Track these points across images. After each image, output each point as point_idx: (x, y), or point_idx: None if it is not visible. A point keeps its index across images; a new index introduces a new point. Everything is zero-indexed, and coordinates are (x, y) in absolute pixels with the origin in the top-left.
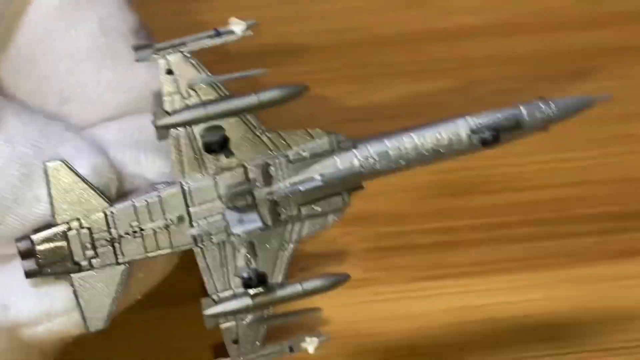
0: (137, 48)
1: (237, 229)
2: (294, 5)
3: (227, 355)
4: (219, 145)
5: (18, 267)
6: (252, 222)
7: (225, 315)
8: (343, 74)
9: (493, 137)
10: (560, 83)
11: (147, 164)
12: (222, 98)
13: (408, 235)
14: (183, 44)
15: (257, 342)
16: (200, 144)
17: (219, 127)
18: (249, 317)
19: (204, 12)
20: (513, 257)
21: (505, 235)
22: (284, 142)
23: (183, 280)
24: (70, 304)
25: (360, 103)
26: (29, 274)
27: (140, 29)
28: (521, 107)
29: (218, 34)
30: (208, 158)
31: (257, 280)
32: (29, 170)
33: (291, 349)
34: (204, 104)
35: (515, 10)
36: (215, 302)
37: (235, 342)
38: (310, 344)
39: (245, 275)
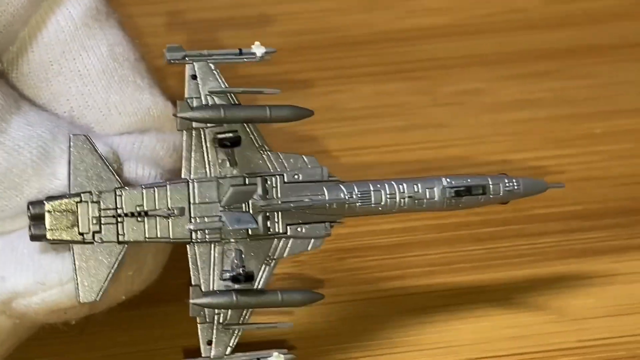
0: (169, 49)
1: (234, 225)
2: (260, 7)
3: (197, 357)
4: (232, 142)
5: (16, 241)
6: (248, 222)
7: (211, 307)
8: (308, 75)
9: (465, 191)
10: (525, 84)
11: (142, 172)
12: (237, 106)
13: (368, 235)
14: (210, 55)
15: (230, 347)
16: (210, 143)
17: (234, 130)
18: (227, 317)
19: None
20: (474, 258)
21: (467, 236)
22: (282, 163)
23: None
24: (64, 276)
25: (325, 104)
26: (34, 237)
27: (142, 60)
28: (488, 178)
29: (241, 53)
30: (214, 163)
31: (245, 277)
32: (47, 149)
33: None
34: (222, 106)
35: (479, 11)
36: (203, 294)
37: (209, 343)
38: (277, 359)
39: (235, 270)
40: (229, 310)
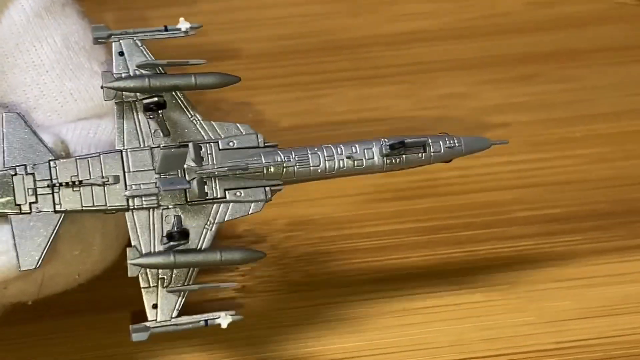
0: (95, 29)
1: (166, 187)
2: (247, 12)
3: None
4: (156, 104)
5: None
6: (180, 184)
7: (149, 266)
8: (292, 80)
9: (399, 144)
10: (507, 88)
11: None
12: (163, 75)
13: (351, 238)
14: (135, 32)
15: (175, 310)
16: (141, 114)
17: (159, 95)
18: (172, 281)
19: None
20: (454, 260)
21: (447, 239)
22: (216, 131)
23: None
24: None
25: (309, 108)
26: None
27: (97, 24)
28: (428, 137)
29: (166, 30)
30: (147, 132)
31: (180, 234)
32: None
33: (206, 323)
34: (146, 76)
35: (463, 15)
36: (141, 255)
37: (154, 307)
38: (224, 320)
39: (169, 229)
40: (173, 272)
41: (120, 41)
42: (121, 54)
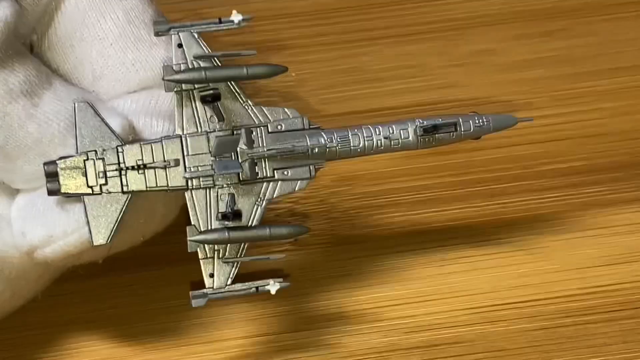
0: (156, 23)
1: (221, 171)
2: None
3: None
4: (212, 97)
5: (36, 198)
6: (234, 167)
7: (205, 242)
8: (332, 39)
9: (433, 127)
10: (533, 44)
11: (157, 128)
12: (218, 67)
13: (392, 193)
14: (192, 25)
15: (229, 278)
16: (198, 102)
17: (214, 88)
18: (226, 253)
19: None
20: (487, 213)
21: (481, 192)
22: (265, 116)
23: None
24: (68, 228)
25: (349, 66)
26: (50, 192)
27: (158, 19)
28: (459, 117)
29: (220, 22)
30: (204, 118)
31: (234, 214)
32: (73, 122)
33: (257, 289)
34: (203, 68)
35: None
36: (198, 232)
37: (211, 275)
38: (273, 287)
39: (224, 210)
40: (227, 245)
41: (179, 34)
42: (180, 45)
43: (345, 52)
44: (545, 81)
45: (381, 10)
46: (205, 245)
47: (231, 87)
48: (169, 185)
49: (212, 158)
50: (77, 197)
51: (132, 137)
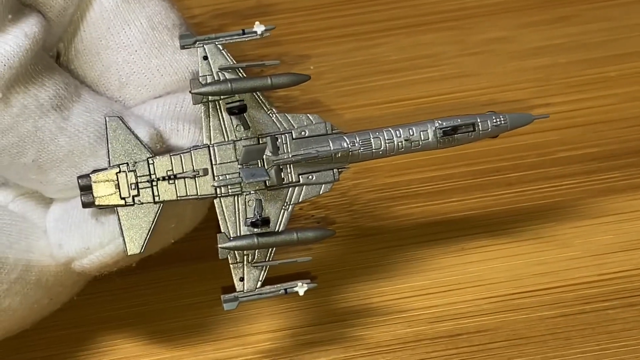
0: (181, 37)
1: (249, 179)
2: None
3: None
4: (239, 108)
5: (71, 209)
6: (261, 175)
7: (236, 249)
8: (348, 30)
9: (452, 128)
10: (545, 30)
11: (184, 132)
12: (243, 78)
13: (413, 183)
14: (217, 37)
15: (259, 282)
16: (224, 112)
17: (240, 100)
18: (255, 257)
19: None
20: (506, 201)
21: (499, 180)
22: (290, 122)
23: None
24: (104, 240)
25: (366, 58)
26: (85, 205)
27: (181, 24)
28: (477, 117)
29: (244, 33)
30: (231, 129)
31: (262, 221)
32: (102, 133)
33: (285, 291)
34: (229, 80)
35: None
36: (229, 239)
37: (241, 279)
38: (301, 288)
39: (253, 217)
40: (256, 251)
41: (205, 46)
42: (205, 57)
43: (362, 44)
44: (558, 68)
45: (396, 1)
46: (235, 251)
47: (256, 97)
48: (199, 193)
49: (240, 166)
50: (111, 208)
51: (160, 145)
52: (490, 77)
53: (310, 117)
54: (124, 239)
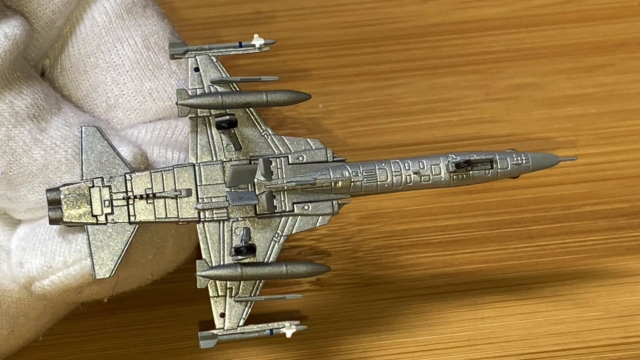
0: (171, 45)
1: (236, 202)
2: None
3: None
4: (228, 123)
5: (38, 227)
6: (249, 199)
7: (216, 278)
8: (362, 70)
9: (466, 162)
10: (576, 78)
11: (173, 160)
12: (235, 92)
13: (423, 232)
14: (210, 48)
15: (242, 319)
16: (214, 129)
17: (231, 114)
18: (239, 291)
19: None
20: (524, 255)
21: (518, 233)
22: (286, 146)
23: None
24: (69, 259)
25: (379, 99)
26: (52, 221)
27: (174, 40)
28: (495, 153)
29: (240, 46)
30: (219, 147)
31: (247, 249)
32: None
33: (271, 332)
34: (220, 93)
35: (532, 3)
36: (209, 267)
37: (222, 315)
38: (289, 330)
39: (238, 244)
40: (240, 283)
41: (196, 57)
42: (196, 69)
43: (376, 84)
44: (589, 118)
45: (416, 42)
46: (217, 281)
47: (249, 114)
48: (180, 216)
49: (227, 189)
50: (81, 226)
51: (143, 167)
52: (514, 124)
53: (309, 141)
54: (92, 261)
